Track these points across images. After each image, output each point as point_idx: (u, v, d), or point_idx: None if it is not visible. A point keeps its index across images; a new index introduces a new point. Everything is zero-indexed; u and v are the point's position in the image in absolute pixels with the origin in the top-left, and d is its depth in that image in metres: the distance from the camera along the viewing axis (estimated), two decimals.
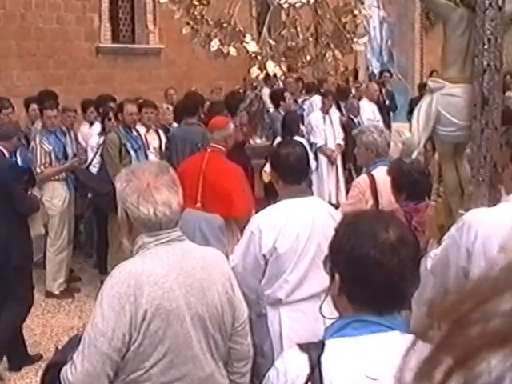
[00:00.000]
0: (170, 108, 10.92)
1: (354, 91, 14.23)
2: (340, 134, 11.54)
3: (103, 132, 9.16)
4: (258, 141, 6.53)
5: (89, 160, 9.04)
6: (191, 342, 2.92)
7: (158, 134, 9.68)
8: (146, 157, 8.95)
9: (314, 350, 2.17)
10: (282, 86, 10.65)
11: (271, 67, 3.93)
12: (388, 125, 13.24)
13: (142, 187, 2.90)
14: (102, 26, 14.27)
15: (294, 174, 4.61)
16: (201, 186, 6.63)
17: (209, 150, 6.76)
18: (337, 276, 2.23)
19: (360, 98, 13.19)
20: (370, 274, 2.14)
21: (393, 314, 2.21)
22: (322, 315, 2.44)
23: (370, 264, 2.14)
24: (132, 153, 8.57)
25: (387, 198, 5.91)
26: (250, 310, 3.80)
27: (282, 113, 10.33)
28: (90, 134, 9.67)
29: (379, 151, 6.12)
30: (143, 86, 14.14)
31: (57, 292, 8.59)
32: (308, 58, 4.11)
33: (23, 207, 6.54)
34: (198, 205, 6.49)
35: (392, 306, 2.20)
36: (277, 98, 10.75)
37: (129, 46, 14.98)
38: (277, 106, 10.88)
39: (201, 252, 3.08)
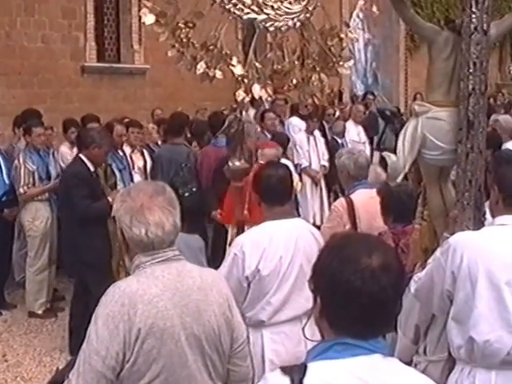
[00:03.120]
0: (156, 128, 10.92)
1: (338, 113, 14.28)
2: (324, 156, 11.58)
3: None
4: (237, 163, 6.58)
5: None
6: (186, 361, 2.92)
7: (142, 154, 9.68)
8: (131, 177, 8.94)
9: (296, 373, 2.16)
10: (267, 107, 10.66)
11: (257, 90, 3.94)
12: (378, 145, 13.33)
13: (136, 208, 2.93)
14: (88, 45, 14.25)
15: (275, 195, 4.61)
16: (248, 196, 7.05)
17: (256, 166, 7.34)
18: (318, 299, 2.22)
19: (346, 120, 13.24)
20: (350, 300, 2.13)
21: (375, 338, 2.20)
22: (305, 337, 2.42)
23: (349, 290, 2.12)
24: (117, 173, 8.56)
25: (366, 222, 5.92)
26: None
27: (268, 134, 10.35)
28: (70, 154, 9.64)
29: (351, 174, 6.17)
30: (128, 106, 14.13)
31: (40, 312, 8.53)
32: (294, 81, 4.12)
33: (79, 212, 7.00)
34: (245, 212, 6.98)
35: (372, 332, 2.19)
36: (256, 119, 10.76)
37: (114, 65, 14.96)
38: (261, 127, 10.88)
39: (198, 272, 3.07)
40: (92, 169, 7.36)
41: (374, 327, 2.19)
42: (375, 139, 14.53)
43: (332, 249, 2.24)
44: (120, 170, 8.72)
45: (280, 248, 4.50)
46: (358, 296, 2.11)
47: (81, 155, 7.46)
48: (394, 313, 2.21)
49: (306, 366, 2.18)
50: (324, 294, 2.20)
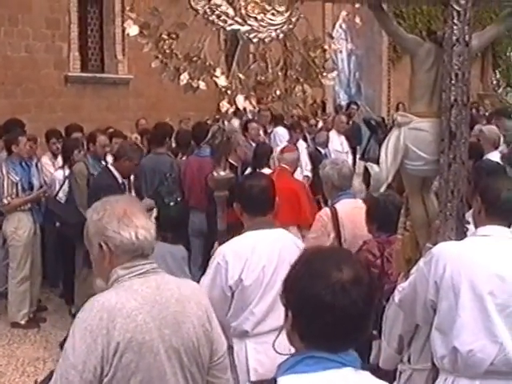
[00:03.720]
0: (139, 138, 10.92)
1: (321, 123, 14.34)
2: (307, 166, 11.61)
3: (65, 164, 9.13)
4: (222, 173, 6.61)
5: (54, 192, 8.98)
6: (165, 374, 2.90)
7: None
8: None
9: None
10: (250, 117, 10.70)
11: (241, 101, 3.95)
12: (354, 156, 13.39)
13: (120, 214, 2.92)
14: (71, 55, 14.25)
15: (257, 205, 4.62)
16: None
17: (278, 168, 8.50)
18: (289, 313, 2.23)
19: (329, 130, 13.29)
20: (320, 314, 2.13)
21: (346, 351, 2.20)
22: (276, 351, 2.41)
23: (320, 304, 2.13)
24: None
25: (350, 231, 5.95)
26: None
27: (253, 144, 10.40)
28: (51, 165, 9.62)
29: (335, 184, 6.22)
30: (111, 116, 14.14)
31: (22, 322, 8.49)
32: (277, 92, 4.13)
33: None
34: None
35: (343, 345, 2.19)
36: (240, 129, 10.82)
37: (98, 75, 14.97)
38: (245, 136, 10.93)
39: (176, 284, 3.05)
40: (120, 180, 7.49)
41: (345, 340, 2.19)
42: (358, 149, 14.59)
43: (302, 263, 2.24)
44: None
45: (263, 258, 4.50)
46: (328, 310, 2.12)
47: (110, 166, 7.63)
48: (365, 326, 2.20)
49: (275, 381, 2.19)
50: (295, 308, 2.20)
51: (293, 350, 2.28)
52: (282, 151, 9.04)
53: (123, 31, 14.33)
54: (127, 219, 2.92)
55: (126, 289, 2.90)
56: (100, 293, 2.93)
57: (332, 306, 2.11)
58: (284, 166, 8.59)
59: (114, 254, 2.94)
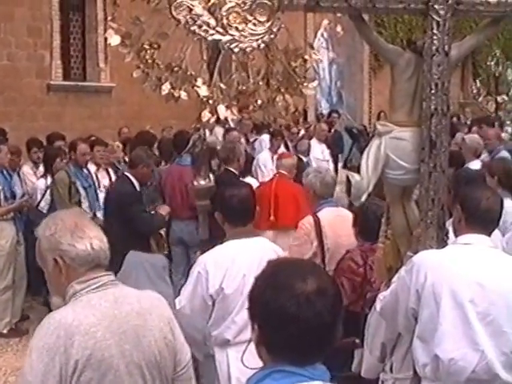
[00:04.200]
0: (121, 146, 10.91)
1: (303, 131, 14.39)
2: None
3: (47, 173, 9.11)
4: (202, 182, 6.66)
5: (36, 202, 8.95)
6: None
7: (107, 172, 9.66)
8: (97, 195, 8.91)
9: None
10: (232, 126, 10.72)
11: (222, 111, 3.96)
12: (335, 165, 13.44)
13: (72, 226, 2.88)
14: (54, 64, 14.22)
15: (238, 215, 4.65)
16: (273, 203, 8.15)
17: (277, 175, 8.81)
18: (255, 326, 2.21)
19: (310, 138, 13.33)
20: (285, 326, 2.12)
21: (313, 365, 2.18)
22: (244, 365, 2.40)
23: (284, 316, 2.11)
24: (82, 191, 8.54)
25: (333, 239, 5.98)
26: (197, 351, 3.78)
27: None
28: (32, 175, 9.58)
29: (317, 192, 6.25)
30: (93, 124, 14.11)
31: (4, 331, 8.46)
32: (259, 101, 4.14)
33: (144, 227, 7.17)
34: (272, 218, 7.85)
35: (309, 358, 2.17)
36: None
37: (80, 83, 14.95)
38: None
39: (136, 297, 2.99)
40: (138, 187, 7.54)
41: (312, 353, 2.17)
42: (340, 157, 14.64)
43: (266, 276, 2.22)
44: (85, 188, 8.69)
45: (243, 267, 4.52)
46: (293, 322, 2.10)
47: (127, 174, 7.68)
48: (331, 337, 2.17)
49: None
50: (260, 320, 2.19)
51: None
52: (280, 158, 9.42)
53: (106, 39, 14.33)
54: (80, 231, 2.87)
55: (83, 304, 2.84)
56: (57, 309, 2.88)
57: (296, 317, 2.10)
58: (282, 171, 8.89)
59: (70, 268, 2.88)
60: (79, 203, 8.19)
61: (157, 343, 2.94)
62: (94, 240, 2.88)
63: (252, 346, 2.27)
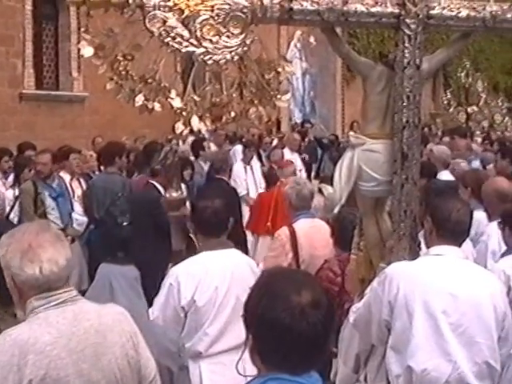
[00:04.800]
0: (94, 155, 10.86)
1: (276, 141, 14.43)
2: (262, 184, 11.68)
3: (16, 183, 9.04)
4: (174, 194, 6.65)
5: (6, 213, 8.86)
6: None
7: (79, 182, 9.60)
8: (71, 205, 8.84)
9: None
10: (207, 136, 10.75)
11: (196, 123, 3.96)
12: (309, 174, 13.49)
13: (24, 248, 2.78)
14: (26, 72, 14.14)
15: (210, 227, 4.64)
16: (272, 209, 8.61)
17: (279, 183, 9.25)
18: (250, 335, 2.25)
19: (283, 148, 13.36)
20: (280, 337, 2.16)
21: (309, 373, 2.23)
22: (239, 373, 2.42)
23: (279, 327, 2.15)
24: (49, 201, 8.43)
25: (308, 251, 6.00)
26: (171, 362, 3.77)
27: (201, 163, 10.46)
28: (1, 185, 9.49)
29: (292, 203, 6.25)
30: (66, 134, 14.04)
31: None
32: (232, 113, 4.16)
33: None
34: (268, 224, 8.24)
35: (304, 367, 2.22)
36: (197, 147, 10.89)
37: (52, 92, 14.87)
38: (196, 156, 11.03)
39: (96, 313, 2.91)
40: (163, 193, 7.67)
41: (306, 362, 2.21)
42: (314, 167, 14.70)
43: (261, 287, 2.27)
44: (54, 198, 8.59)
45: (215, 278, 4.52)
46: (288, 333, 2.14)
47: (153, 182, 7.88)
48: (325, 347, 2.23)
49: None
50: (255, 331, 2.23)
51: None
52: (280, 167, 10.14)
53: (79, 49, 14.29)
54: (31, 253, 2.77)
55: (40, 322, 2.77)
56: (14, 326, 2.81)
57: (291, 328, 2.14)
58: (284, 180, 9.22)
59: (22, 289, 2.82)
60: (44, 215, 8.10)
61: (117, 361, 2.87)
62: (45, 264, 2.76)
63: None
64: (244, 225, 9.78)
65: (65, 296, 2.83)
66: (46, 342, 2.71)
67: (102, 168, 9.80)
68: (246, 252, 9.70)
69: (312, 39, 18.82)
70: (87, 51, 3.94)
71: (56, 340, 2.73)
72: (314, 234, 6.07)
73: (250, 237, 9.84)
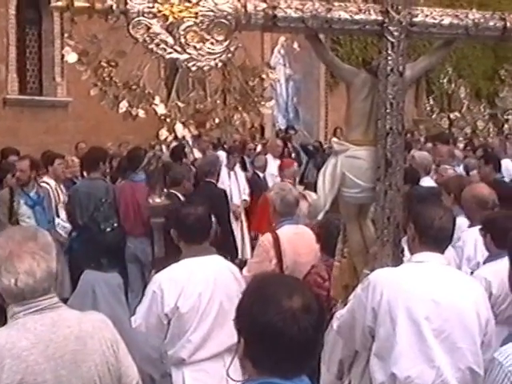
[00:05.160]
0: (76, 160, 10.81)
1: (260, 147, 14.44)
2: (245, 190, 11.69)
3: None
4: (157, 200, 6.63)
5: None
6: None
7: (60, 188, 9.53)
8: (57, 211, 8.77)
9: None
10: (190, 143, 10.74)
11: (180, 130, 3.97)
12: (301, 180, 13.52)
13: (4, 256, 2.78)
14: (9, 77, 14.09)
15: (193, 233, 4.64)
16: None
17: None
18: (242, 339, 2.25)
19: (266, 154, 13.37)
20: (272, 342, 2.17)
21: (300, 377, 2.24)
22: (229, 377, 2.43)
23: (271, 332, 2.16)
24: (24, 209, 8.31)
25: (291, 257, 5.99)
26: (154, 370, 3.76)
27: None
28: None
29: (277, 209, 6.23)
30: (49, 139, 13.97)
31: None
32: (216, 120, 4.16)
33: None
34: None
35: (295, 371, 2.23)
36: (178, 153, 10.88)
37: (36, 98, 14.81)
38: (176, 161, 11.01)
39: (77, 320, 2.90)
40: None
41: (297, 367, 2.23)
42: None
43: (253, 291, 2.29)
44: (31, 206, 8.47)
45: (199, 285, 4.51)
46: (279, 337, 2.16)
47: (175, 192, 7.93)
48: (315, 352, 2.26)
49: None
50: (247, 335, 2.23)
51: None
52: (282, 168, 10.32)
53: (63, 54, 14.24)
54: (10, 264, 2.77)
55: (18, 327, 2.78)
56: None
57: (282, 333, 2.15)
58: (286, 180, 9.49)
59: (2, 295, 2.83)
60: (18, 223, 7.98)
61: (97, 368, 2.86)
62: (20, 276, 2.76)
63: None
64: (232, 228, 9.83)
65: (45, 303, 2.82)
66: (22, 348, 2.72)
67: (84, 173, 9.76)
68: (236, 253, 9.78)
69: (296, 45, 18.87)
70: (71, 57, 3.94)
71: (33, 346, 2.74)
72: (297, 241, 6.06)
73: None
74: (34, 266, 2.79)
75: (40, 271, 2.79)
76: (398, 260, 4.26)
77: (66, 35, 4.13)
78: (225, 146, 13.05)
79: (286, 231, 6.12)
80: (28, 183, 8.49)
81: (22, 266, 2.77)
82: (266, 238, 6.17)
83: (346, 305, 4.12)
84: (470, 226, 6.00)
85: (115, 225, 8.17)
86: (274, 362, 2.19)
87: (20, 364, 2.69)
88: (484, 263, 5.28)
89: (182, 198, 7.84)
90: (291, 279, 2.46)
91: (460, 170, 11.01)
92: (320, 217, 4.39)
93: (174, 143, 11.45)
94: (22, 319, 2.79)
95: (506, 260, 5.14)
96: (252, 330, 2.21)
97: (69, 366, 2.79)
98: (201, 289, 4.50)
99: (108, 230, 7.63)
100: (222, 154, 12.75)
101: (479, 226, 5.41)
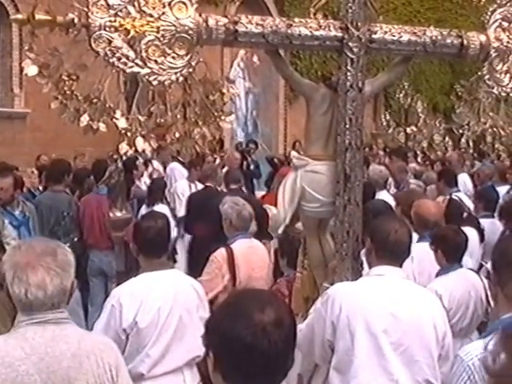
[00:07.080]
0: (36, 172, 10.71)
1: (219, 160, 14.46)
2: None
3: None
4: (118, 213, 6.57)
5: None
6: None
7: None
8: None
9: None
10: (149, 156, 10.71)
11: (140, 144, 3.97)
12: (252, 192, 13.53)
13: (20, 265, 2.82)
14: None
15: (153, 247, 4.60)
16: None
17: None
18: (211, 353, 2.24)
19: (223, 167, 13.37)
20: (242, 356, 2.16)
21: None
22: None
23: (240, 346, 2.16)
24: (10, 230, 7.90)
25: (245, 272, 5.95)
26: None
27: (137, 181, 10.45)
28: None
29: (233, 223, 6.18)
30: (5, 150, 13.79)
31: None
32: (177, 134, 4.18)
33: None
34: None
35: None
36: (129, 166, 10.84)
37: None
38: (126, 173, 10.96)
39: (77, 338, 2.91)
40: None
41: (268, 381, 2.23)
42: (256, 184, 14.76)
43: (225, 305, 2.28)
44: (17, 227, 8.05)
45: (158, 300, 4.47)
46: (249, 351, 2.15)
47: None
48: (285, 366, 2.25)
49: None
50: (217, 349, 2.22)
51: None
52: (281, 175, 9.97)
53: (21, 64, 14.11)
54: (23, 273, 2.80)
55: (17, 336, 2.80)
56: None
57: (252, 347, 2.15)
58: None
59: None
60: (2, 245, 7.70)
61: None
62: (31, 288, 2.79)
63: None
64: None
65: (50, 316, 2.85)
66: (15, 357, 2.74)
67: (44, 185, 9.64)
68: None
69: (255, 59, 18.93)
70: (31, 70, 3.92)
71: (27, 356, 2.76)
72: (251, 255, 6.03)
73: None
74: (46, 280, 2.81)
75: (52, 286, 2.82)
76: (357, 273, 4.30)
77: (26, 47, 4.11)
78: (179, 158, 13.08)
79: (240, 245, 6.07)
80: (11, 202, 8.16)
81: (35, 278, 2.80)
82: (219, 254, 6.05)
83: (305, 319, 4.14)
84: (418, 241, 6.00)
85: (75, 239, 8.06)
86: (244, 376, 2.18)
87: (10, 373, 2.71)
88: (436, 276, 5.34)
89: None
90: (265, 293, 2.46)
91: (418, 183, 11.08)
92: (280, 231, 4.41)
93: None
94: (24, 328, 2.82)
95: (456, 273, 5.24)
96: (222, 344, 2.20)
97: (60, 381, 2.80)
98: (160, 303, 4.46)
99: (68, 245, 7.46)
100: (175, 166, 12.81)
101: (425, 243, 5.48)
